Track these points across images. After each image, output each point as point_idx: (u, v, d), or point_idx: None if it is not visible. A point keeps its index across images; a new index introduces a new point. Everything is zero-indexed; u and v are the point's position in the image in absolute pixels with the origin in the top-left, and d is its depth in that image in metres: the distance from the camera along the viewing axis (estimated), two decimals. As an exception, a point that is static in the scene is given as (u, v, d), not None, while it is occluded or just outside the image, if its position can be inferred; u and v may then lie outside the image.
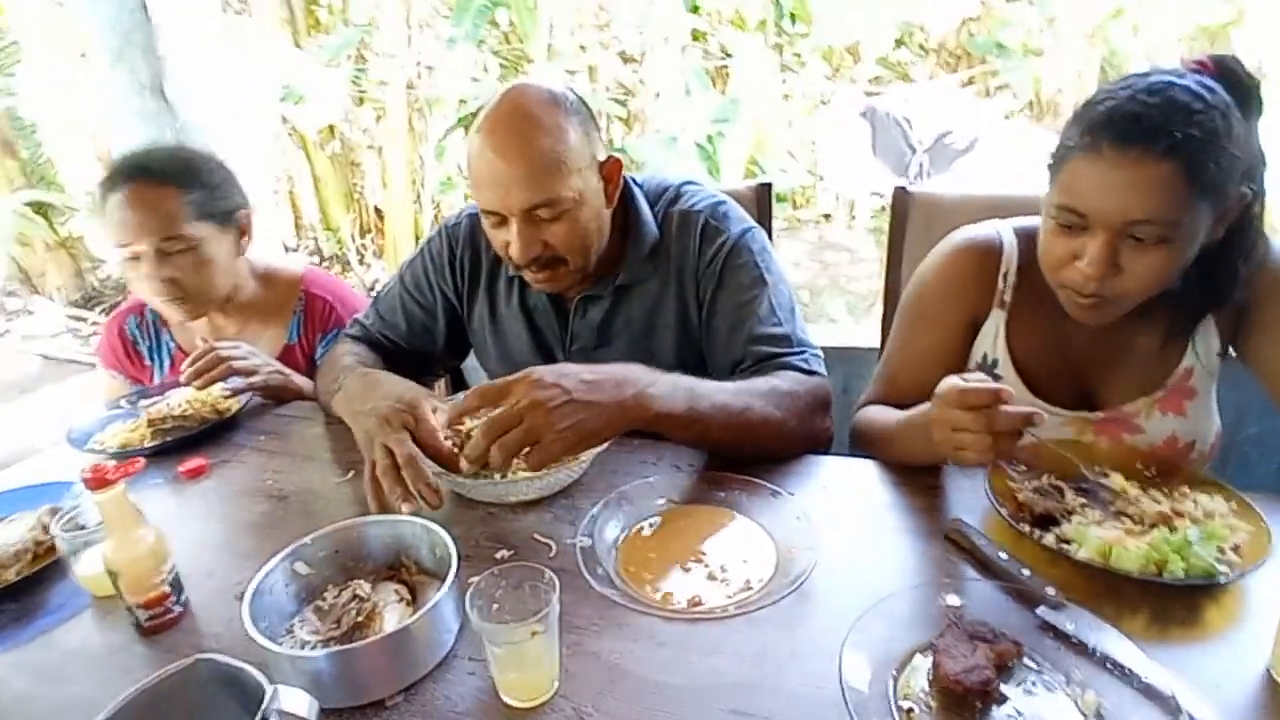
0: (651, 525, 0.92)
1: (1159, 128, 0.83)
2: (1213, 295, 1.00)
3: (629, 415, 0.90)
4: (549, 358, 1.27)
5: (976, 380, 0.83)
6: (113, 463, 0.77)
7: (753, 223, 1.22)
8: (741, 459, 1.02)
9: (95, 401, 1.40)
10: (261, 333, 1.53)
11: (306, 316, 1.53)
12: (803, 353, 1.12)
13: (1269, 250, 0.99)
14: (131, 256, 1.35)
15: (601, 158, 1.12)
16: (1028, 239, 1.07)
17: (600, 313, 1.23)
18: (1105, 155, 0.86)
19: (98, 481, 0.76)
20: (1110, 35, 5.76)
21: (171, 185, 1.35)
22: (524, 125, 1.04)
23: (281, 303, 1.54)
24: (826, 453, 1.08)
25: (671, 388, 0.94)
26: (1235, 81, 0.89)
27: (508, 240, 1.09)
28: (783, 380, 1.06)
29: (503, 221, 1.09)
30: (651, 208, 1.22)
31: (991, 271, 1.09)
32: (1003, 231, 1.10)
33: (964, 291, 1.10)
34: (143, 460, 0.87)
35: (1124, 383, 1.06)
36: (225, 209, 1.43)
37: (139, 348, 1.56)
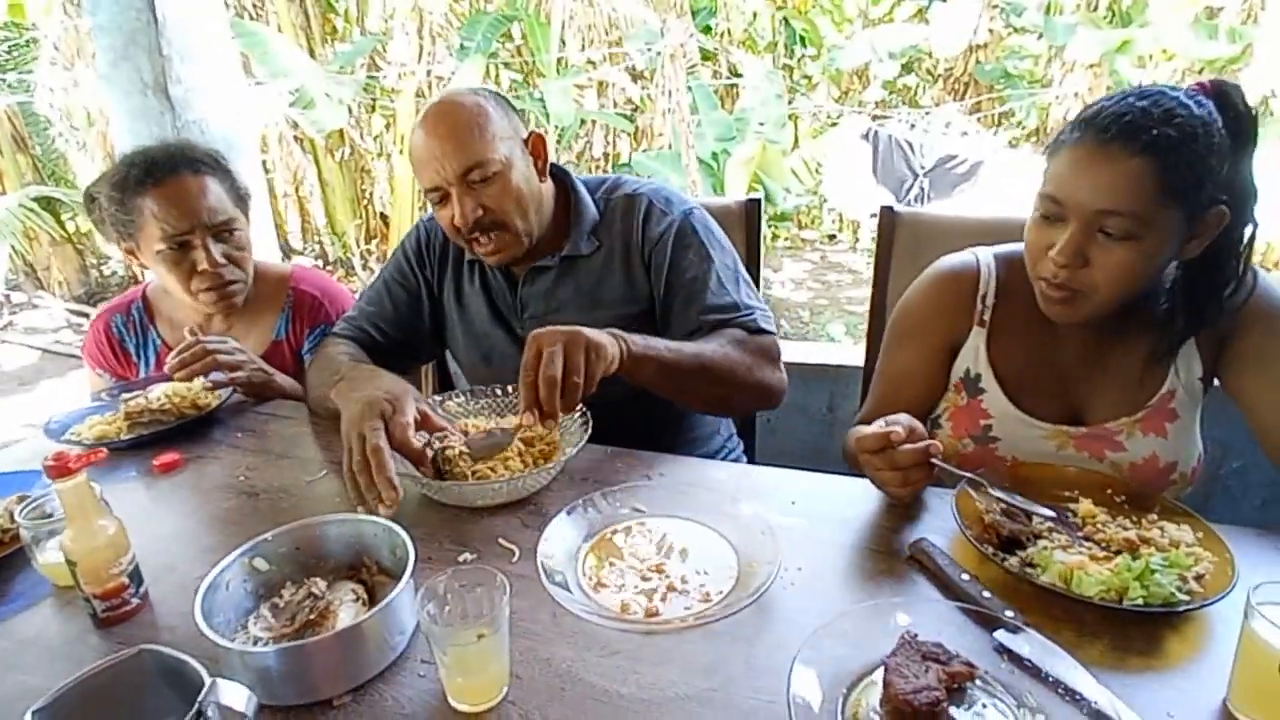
0: (615, 533, 0.92)
1: (1138, 125, 0.88)
2: (1196, 319, 1.01)
3: (611, 337, 1.02)
4: (507, 329, 1.36)
5: (874, 428, 0.91)
6: (75, 452, 0.77)
7: (693, 203, 1.33)
8: (707, 405, 1.20)
9: (83, 398, 1.40)
10: (250, 329, 1.54)
11: (295, 312, 1.55)
12: (750, 313, 1.23)
13: (1256, 283, 1.00)
14: (177, 246, 1.38)
15: (524, 135, 1.25)
16: (1007, 263, 1.11)
17: (547, 282, 1.32)
18: (1085, 147, 0.91)
19: (59, 470, 0.76)
20: (1116, 67, 5.80)
21: (216, 176, 1.42)
22: (448, 109, 1.19)
23: (270, 299, 1.55)
24: (805, 469, 1.08)
25: (631, 334, 1.07)
26: (1229, 105, 0.91)
27: (452, 214, 1.20)
28: (731, 336, 1.19)
29: (445, 197, 1.20)
30: (592, 195, 1.34)
31: (969, 294, 1.12)
32: (981, 256, 1.14)
33: (941, 316, 1.14)
34: (105, 451, 0.87)
35: (1107, 401, 1.07)
36: (245, 194, 1.49)
37: (125, 345, 1.57)
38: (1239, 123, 0.91)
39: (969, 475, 0.94)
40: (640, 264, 1.29)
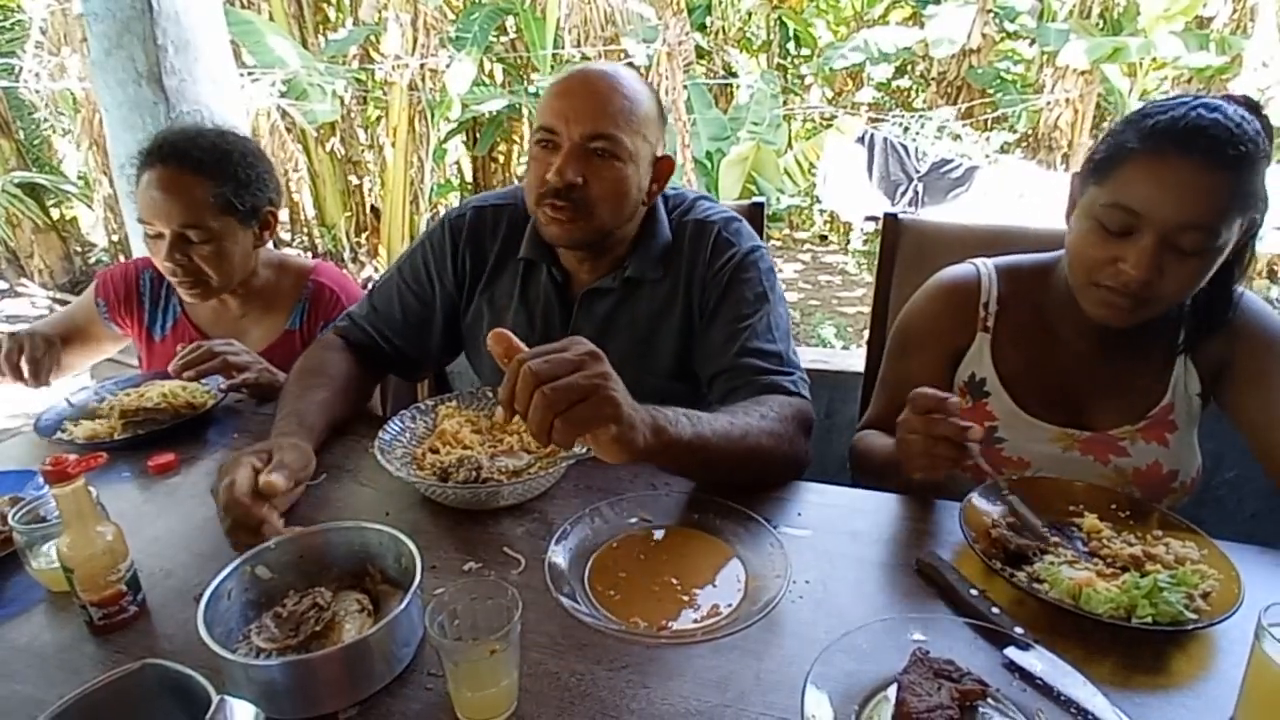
0: (623, 544, 0.91)
1: (1220, 141, 0.88)
2: (1206, 320, 1.03)
3: (649, 430, 0.81)
4: None
5: (933, 390, 0.88)
6: (74, 455, 0.76)
7: (761, 243, 1.25)
8: (732, 487, 0.98)
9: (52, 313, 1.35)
10: (262, 318, 1.55)
11: (312, 304, 1.54)
12: (791, 374, 1.14)
13: (1248, 301, 1.04)
14: (154, 235, 1.38)
15: (660, 152, 1.19)
16: (1008, 272, 1.15)
17: (606, 307, 1.23)
18: (1169, 160, 0.89)
19: (57, 475, 0.74)
20: (1106, 74, 5.85)
21: (202, 175, 1.37)
22: (610, 75, 1.13)
23: (289, 291, 1.56)
24: (803, 479, 1.08)
25: (675, 414, 0.88)
26: (1264, 122, 0.93)
27: (550, 163, 1.10)
28: (773, 406, 1.05)
29: (551, 145, 1.12)
30: (668, 213, 1.26)
31: (972, 303, 1.14)
32: (981, 266, 1.16)
33: (944, 327, 1.16)
34: (105, 455, 0.85)
35: (1109, 408, 1.09)
36: (252, 205, 1.44)
37: (142, 300, 1.57)
38: (1271, 138, 0.93)
39: (981, 484, 0.94)
40: (699, 290, 1.21)
